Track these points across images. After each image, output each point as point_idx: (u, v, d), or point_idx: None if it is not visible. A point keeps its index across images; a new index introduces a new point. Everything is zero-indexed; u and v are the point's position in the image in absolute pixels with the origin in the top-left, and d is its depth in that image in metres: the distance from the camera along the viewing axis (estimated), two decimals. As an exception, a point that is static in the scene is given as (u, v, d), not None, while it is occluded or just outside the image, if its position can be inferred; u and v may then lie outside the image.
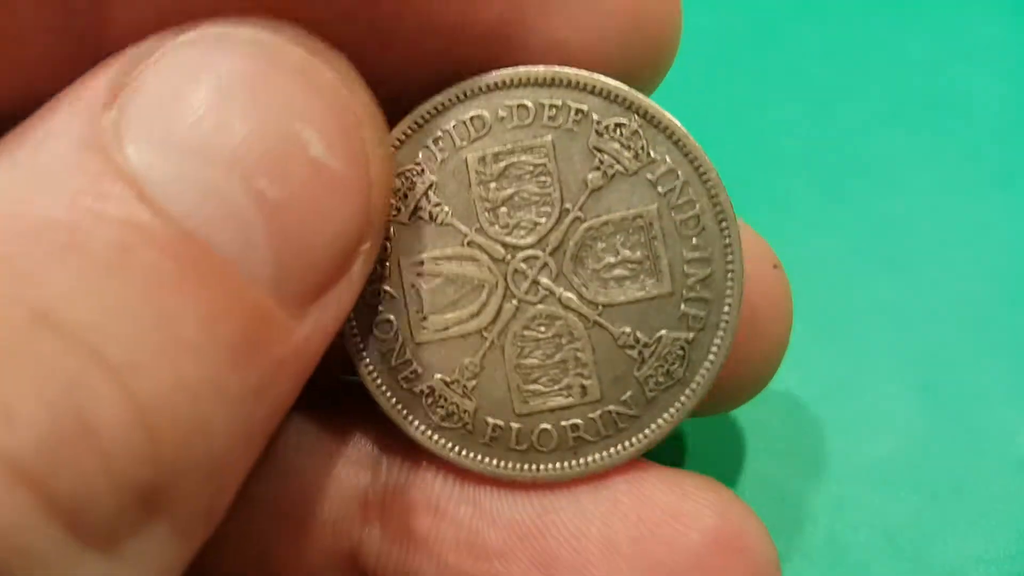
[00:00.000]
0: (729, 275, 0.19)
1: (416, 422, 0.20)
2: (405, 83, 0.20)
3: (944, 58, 0.30)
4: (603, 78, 0.20)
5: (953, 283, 0.27)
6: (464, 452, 0.20)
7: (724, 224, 0.19)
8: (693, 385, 0.20)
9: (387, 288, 0.20)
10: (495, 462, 0.20)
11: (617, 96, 0.20)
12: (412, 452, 0.21)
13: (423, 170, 0.20)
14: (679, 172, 0.20)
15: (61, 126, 0.16)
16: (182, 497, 0.15)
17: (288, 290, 0.16)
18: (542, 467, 0.20)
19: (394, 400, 0.20)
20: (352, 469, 0.21)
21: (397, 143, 0.20)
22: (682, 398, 0.20)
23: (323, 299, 0.17)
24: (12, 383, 0.13)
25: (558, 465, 0.20)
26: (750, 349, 0.20)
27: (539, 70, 0.20)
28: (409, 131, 0.20)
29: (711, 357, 0.20)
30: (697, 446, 0.25)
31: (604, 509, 0.19)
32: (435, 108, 0.20)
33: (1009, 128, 0.29)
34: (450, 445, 0.20)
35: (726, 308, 0.20)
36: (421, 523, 0.20)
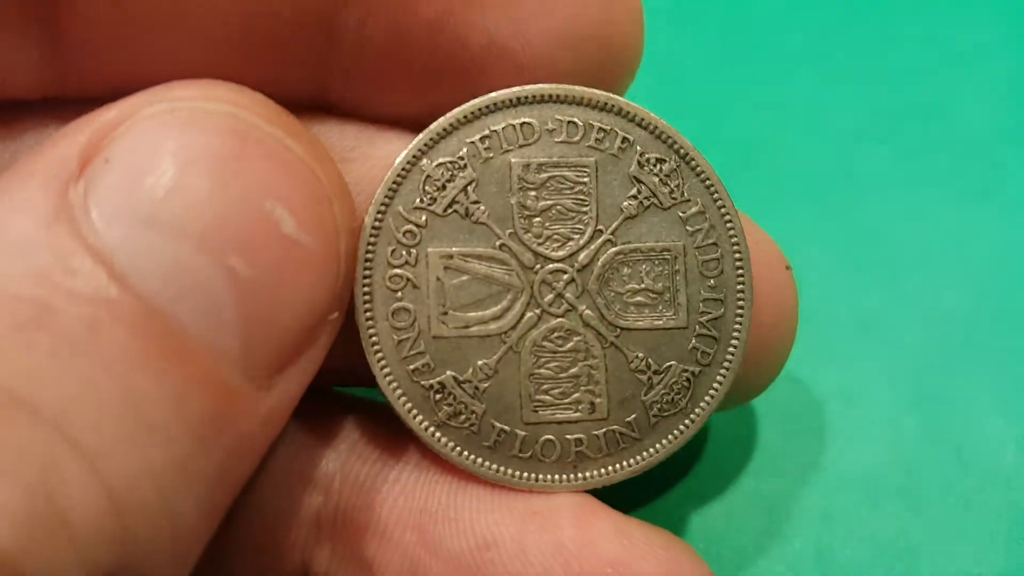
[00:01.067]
0: (738, 319, 0.21)
1: (420, 418, 0.20)
2: (366, 89, 0.20)
3: (931, 69, 0.31)
4: (652, 115, 0.21)
5: (942, 295, 0.27)
6: (466, 454, 0.20)
7: (740, 272, 0.21)
8: (693, 416, 0.21)
9: (411, 277, 0.20)
10: (495, 467, 0.20)
11: (662, 134, 0.21)
12: (368, 474, 0.20)
13: (466, 165, 0.20)
14: (707, 215, 0.21)
15: (28, 198, 0.15)
16: None
17: (256, 364, 0.16)
18: (541, 477, 0.20)
19: (400, 392, 0.20)
20: (306, 489, 0.20)
21: (443, 132, 0.20)
22: (681, 427, 0.21)
23: (290, 370, 0.17)
24: None
25: (557, 477, 0.20)
26: (762, 346, 0.21)
27: (595, 93, 0.20)
28: (457, 123, 0.20)
29: (712, 391, 0.21)
30: (687, 457, 0.25)
31: (546, 554, 0.19)
32: (487, 106, 0.20)
33: (997, 138, 0.29)
34: (452, 445, 0.20)
35: (731, 348, 0.21)
36: (368, 547, 0.20)
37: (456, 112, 0.20)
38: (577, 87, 0.20)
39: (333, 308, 0.18)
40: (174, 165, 0.16)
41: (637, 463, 0.20)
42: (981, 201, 0.29)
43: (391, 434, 0.21)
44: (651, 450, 0.21)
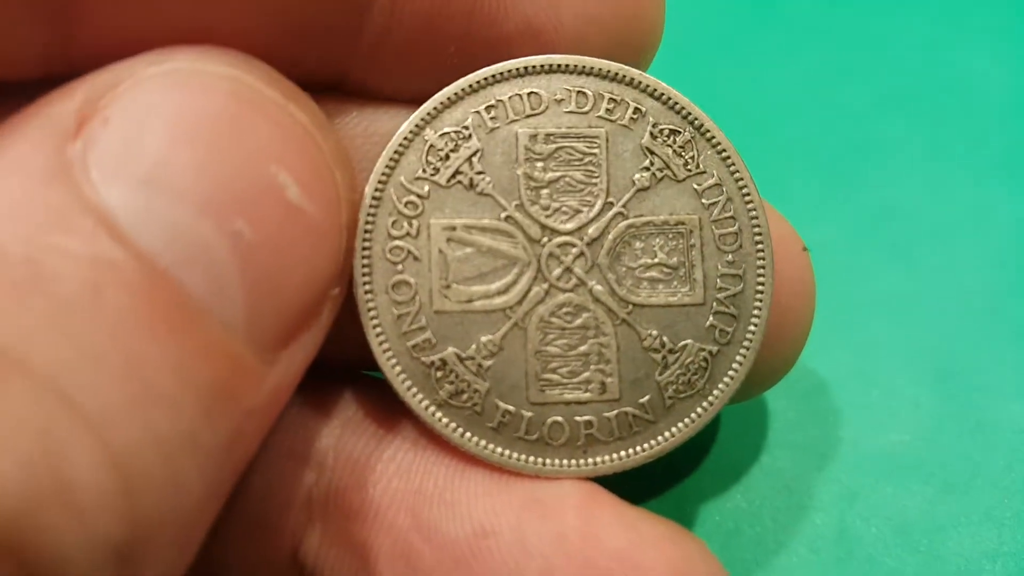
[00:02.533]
0: (758, 295, 0.20)
1: (420, 396, 0.19)
2: (384, 69, 0.20)
3: (948, 43, 0.30)
4: (665, 85, 0.20)
5: (961, 272, 0.26)
6: (469, 435, 0.19)
7: (760, 245, 0.20)
8: (711, 398, 0.19)
9: (411, 249, 0.19)
10: (500, 450, 0.19)
11: (675, 104, 0.20)
12: (363, 452, 0.19)
13: (470, 135, 0.19)
14: (724, 188, 0.20)
15: (23, 155, 0.15)
16: (154, 553, 0.14)
17: (260, 336, 0.16)
18: (548, 461, 0.19)
19: (399, 369, 0.19)
20: (298, 465, 0.20)
21: (448, 101, 0.19)
22: (699, 409, 0.19)
23: (293, 345, 0.16)
24: None
25: (565, 462, 0.19)
26: (778, 331, 0.20)
27: (606, 63, 0.20)
28: (462, 92, 0.19)
29: (732, 372, 0.19)
30: (707, 436, 0.24)
31: (548, 544, 0.18)
32: (493, 76, 0.19)
33: (1016, 112, 0.29)
34: (454, 426, 0.19)
35: (752, 327, 0.19)
36: (359, 529, 0.19)
37: (461, 82, 0.19)
38: (587, 57, 0.20)
39: (335, 283, 0.17)
40: (175, 126, 0.15)
41: (651, 448, 0.19)
42: (1001, 176, 0.28)
43: (389, 411, 0.20)
44: (666, 434, 0.19)
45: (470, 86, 0.19)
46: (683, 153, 0.20)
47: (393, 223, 0.19)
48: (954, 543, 0.23)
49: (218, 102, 0.16)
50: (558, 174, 0.19)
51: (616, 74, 0.20)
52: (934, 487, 0.24)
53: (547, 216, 0.19)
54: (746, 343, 0.19)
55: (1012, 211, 0.27)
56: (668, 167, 0.20)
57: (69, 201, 0.14)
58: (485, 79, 0.19)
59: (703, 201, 0.20)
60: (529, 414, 0.19)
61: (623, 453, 0.19)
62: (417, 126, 0.19)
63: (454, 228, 0.19)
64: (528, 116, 0.19)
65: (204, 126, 0.15)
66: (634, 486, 0.19)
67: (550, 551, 0.18)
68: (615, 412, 0.19)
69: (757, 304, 0.20)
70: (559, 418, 0.19)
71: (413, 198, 0.19)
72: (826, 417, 0.25)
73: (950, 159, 0.28)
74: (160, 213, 0.15)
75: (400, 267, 0.19)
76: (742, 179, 0.20)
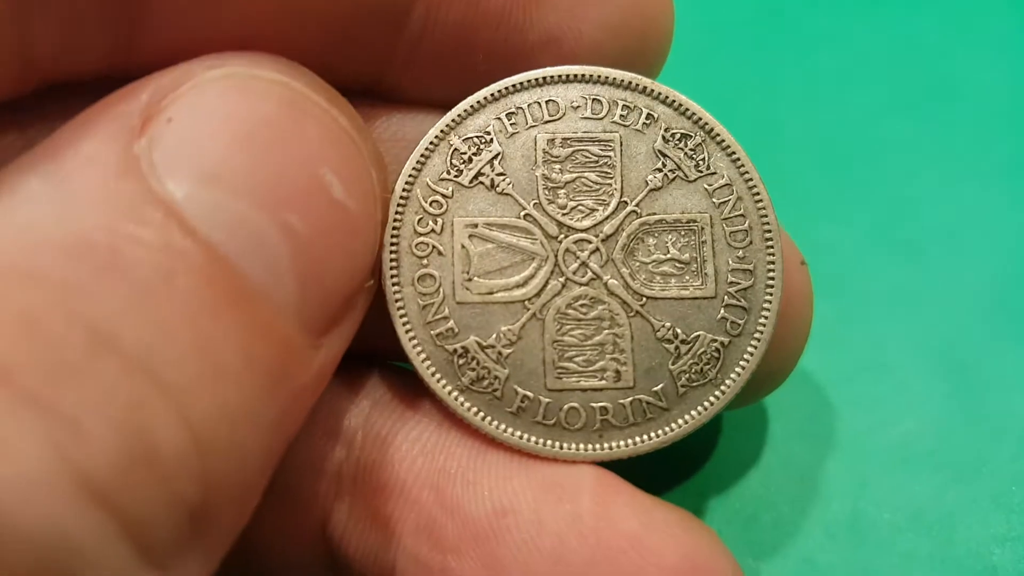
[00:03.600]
0: (769, 288, 0.20)
1: (443, 382, 0.20)
2: (415, 75, 0.21)
3: (954, 47, 0.31)
4: (677, 93, 0.21)
5: (969, 267, 0.27)
6: (489, 419, 0.20)
7: (770, 241, 0.20)
8: (723, 387, 0.20)
9: (436, 244, 0.20)
10: (519, 434, 0.20)
11: (687, 110, 0.21)
12: (390, 431, 0.20)
13: (492, 140, 0.21)
14: (734, 188, 0.21)
15: (96, 151, 0.16)
16: (219, 518, 0.15)
17: (309, 321, 0.17)
18: (565, 445, 0.20)
19: (423, 356, 0.20)
20: (330, 444, 0.21)
21: (471, 108, 0.21)
22: (711, 397, 0.20)
23: (334, 331, 0.18)
24: (78, 399, 0.13)
25: (581, 446, 0.20)
26: (778, 343, 0.21)
27: (620, 73, 0.21)
28: (485, 100, 0.21)
29: (744, 362, 0.20)
30: (722, 426, 0.25)
31: (563, 524, 0.19)
32: (514, 85, 0.21)
33: (1021, 115, 0.29)
34: (475, 410, 0.20)
35: (763, 318, 0.20)
36: (385, 504, 0.20)
37: (484, 91, 0.21)
38: (602, 68, 0.21)
39: (370, 274, 0.19)
40: (234, 127, 0.16)
41: (665, 434, 0.20)
42: (1006, 176, 0.28)
43: (416, 395, 0.21)
44: (679, 421, 0.20)
45: (492, 95, 0.21)
46: (694, 156, 0.21)
47: (419, 220, 0.20)
48: (963, 528, 0.23)
49: (271, 106, 0.17)
50: (574, 175, 0.21)
51: (629, 83, 0.21)
52: (944, 475, 0.24)
53: (564, 214, 0.20)
54: (757, 335, 0.20)
55: (1018, 210, 0.28)
56: (680, 169, 0.21)
57: (140, 193, 0.15)
58: (506, 88, 0.21)
59: (714, 200, 0.21)
60: (547, 400, 0.20)
61: (637, 439, 0.20)
62: (443, 131, 0.21)
63: (476, 225, 0.20)
64: (546, 122, 0.21)
65: (259, 128, 0.17)
66: (656, 473, 0.20)
67: (565, 530, 0.18)
68: (630, 399, 0.20)
69: (767, 297, 0.20)
70: (575, 404, 0.20)
71: (438, 197, 0.20)
72: (839, 408, 0.25)
73: (957, 160, 0.29)
74: (221, 206, 0.16)
75: (425, 261, 0.20)
76: (752, 180, 0.21)
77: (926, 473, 0.24)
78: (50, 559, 0.13)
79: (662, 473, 0.22)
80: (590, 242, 0.20)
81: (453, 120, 0.21)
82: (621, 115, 0.21)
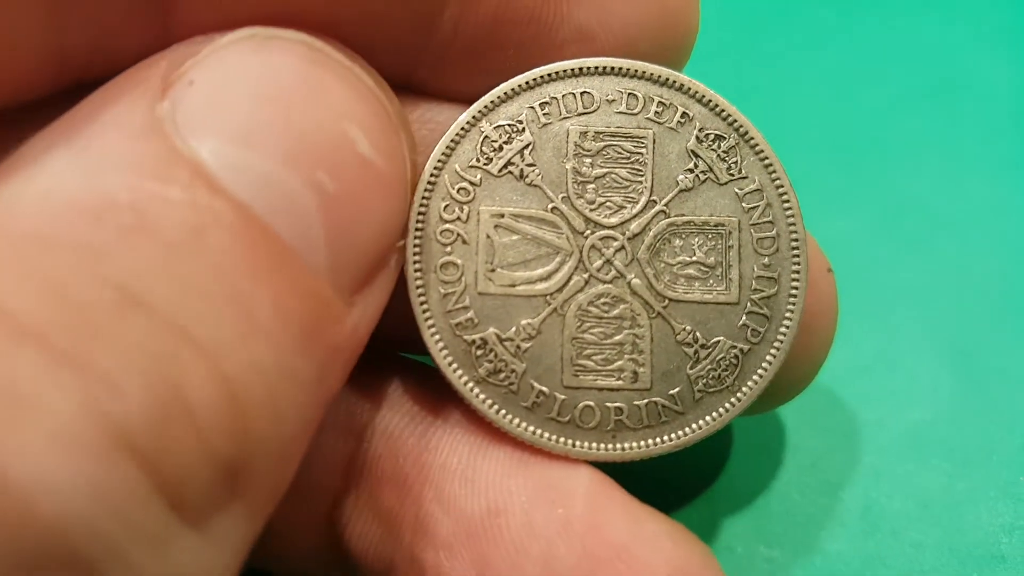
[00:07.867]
0: (792, 298, 0.20)
1: (460, 372, 0.20)
2: (446, 72, 0.21)
3: (962, 45, 0.31)
4: (713, 92, 0.21)
5: (978, 262, 0.28)
6: (503, 413, 0.20)
7: (796, 250, 0.20)
8: (740, 394, 0.20)
9: (461, 232, 0.20)
10: (532, 429, 0.20)
11: (722, 111, 0.20)
12: (398, 426, 0.20)
13: (524, 129, 0.20)
14: (764, 193, 0.20)
15: (117, 114, 0.16)
16: (258, 476, 0.15)
17: (341, 279, 0.17)
18: (578, 444, 0.20)
19: (441, 345, 0.20)
20: (341, 436, 0.21)
21: (504, 96, 0.20)
22: (727, 404, 0.20)
23: (367, 290, 0.17)
24: (111, 356, 0.13)
25: (594, 445, 0.20)
26: (801, 351, 0.21)
27: (657, 68, 0.20)
28: (519, 88, 0.20)
29: (761, 371, 0.20)
30: (739, 419, 0.25)
31: (553, 529, 0.19)
32: (549, 75, 0.20)
33: None
34: (490, 403, 0.20)
35: (784, 328, 0.20)
36: (387, 497, 0.20)
37: (519, 79, 0.20)
38: (639, 62, 0.21)
39: (401, 234, 0.19)
40: (257, 86, 0.16)
41: (678, 438, 0.20)
42: (1014, 170, 0.29)
43: (426, 391, 0.21)
44: (693, 426, 0.20)
45: (527, 83, 0.20)
46: (727, 158, 0.20)
47: (445, 207, 0.20)
48: (973, 517, 0.24)
49: (293, 63, 0.17)
50: (605, 171, 0.20)
51: (667, 79, 0.21)
52: (953, 464, 0.25)
53: (592, 210, 0.20)
54: (777, 343, 0.20)
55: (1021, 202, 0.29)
56: (711, 170, 0.20)
57: (164, 153, 0.15)
58: (541, 77, 0.20)
59: (743, 205, 0.20)
60: (562, 397, 0.20)
61: (650, 441, 0.20)
62: (474, 117, 0.20)
63: (502, 215, 0.20)
64: (580, 114, 0.20)
65: (283, 85, 0.16)
66: (666, 459, 0.20)
67: (554, 535, 0.19)
68: (645, 401, 0.20)
69: (790, 307, 0.20)
70: (591, 403, 0.20)
71: (466, 185, 0.20)
72: (850, 399, 0.26)
73: (965, 155, 0.29)
74: (248, 165, 0.16)
75: (449, 249, 0.20)
76: (782, 186, 0.20)
77: (935, 463, 0.25)
78: (84, 515, 0.13)
79: (671, 459, 0.22)
80: (616, 239, 0.20)
81: (485, 107, 0.20)
82: (656, 112, 0.20)
